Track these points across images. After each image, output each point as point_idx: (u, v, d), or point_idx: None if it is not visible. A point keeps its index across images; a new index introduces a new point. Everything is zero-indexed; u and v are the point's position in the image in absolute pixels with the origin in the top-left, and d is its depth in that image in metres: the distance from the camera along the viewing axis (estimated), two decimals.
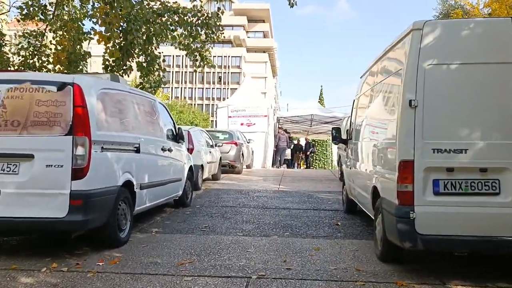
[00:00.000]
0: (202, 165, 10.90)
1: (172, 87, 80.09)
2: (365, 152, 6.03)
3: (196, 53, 9.74)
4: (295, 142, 25.35)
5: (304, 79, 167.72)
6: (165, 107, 7.64)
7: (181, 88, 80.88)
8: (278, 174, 15.75)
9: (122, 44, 8.41)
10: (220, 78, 80.00)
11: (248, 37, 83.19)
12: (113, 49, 8.14)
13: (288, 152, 22.08)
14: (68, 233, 5.22)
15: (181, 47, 9.63)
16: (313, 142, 40.37)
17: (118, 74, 8.42)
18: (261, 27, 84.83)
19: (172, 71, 79.74)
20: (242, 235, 6.05)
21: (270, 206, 8.54)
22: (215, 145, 12.90)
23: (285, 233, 6.22)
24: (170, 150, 7.17)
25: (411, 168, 4.05)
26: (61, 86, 4.63)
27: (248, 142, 17.50)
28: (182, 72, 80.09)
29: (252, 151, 18.50)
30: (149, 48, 9.10)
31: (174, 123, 7.96)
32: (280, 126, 22.16)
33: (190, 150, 10.46)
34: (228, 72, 79.32)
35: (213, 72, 79.26)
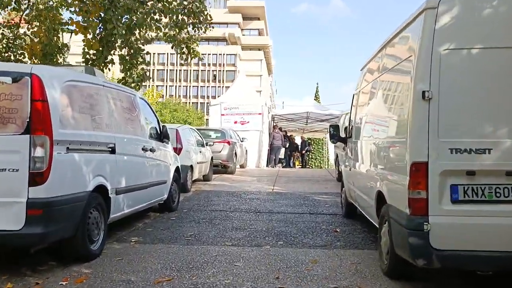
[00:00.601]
0: (191, 166, 10.27)
1: (166, 85, 79.44)
2: (368, 151, 5.42)
3: (182, 45, 9.06)
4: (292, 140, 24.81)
5: (300, 77, 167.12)
6: (147, 103, 7.01)
7: (176, 86, 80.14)
8: (272, 174, 15.13)
9: (102, 35, 7.75)
10: (215, 76, 79.34)
11: (243, 34, 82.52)
12: (92, 40, 7.48)
13: (283, 151, 21.40)
14: (26, 248, 4.57)
15: (166, 38, 8.97)
16: (309, 141, 39.85)
17: (99, 68, 7.76)
18: (256, 25, 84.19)
19: (167, 69, 79.10)
20: (231, 244, 5.43)
21: (263, 210, 7.93)
22: (206, 144, 12.26)
23: (278, 242, 5.61)
24: (152, 150, 6.53)
25: (424, 172, 3.44)
26: (17, 78, 3.99)
27: (241, 141, 16.87)
28: (176, 70, 79.26)
29: (246, 150, 17.86)
30: (132, 39, 8.43)
31: (158, 121, 7.33)
32: (275, 125, 21.53)
33: (178, 150, 9.85)
34: (223, 70, 78.63)
35: (207, 70, 78.76)
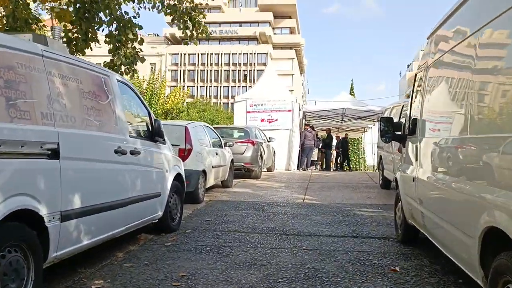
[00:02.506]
0: (203, 171, 8.45)
1: (197, 86, 78.61)
2: (456, 157, 3.39)
3: (186, 18, 7.21)
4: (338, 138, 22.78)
5: (333, 77, 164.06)
6: (131, 88, 5.20)
7: (206, 86, 79.22)
8: (304, 179, 13.14)
9: (78, 5, 6.02)
10: (245, 76, 77.89)
11: (274, 33, 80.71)
12: (65, 10, 5.76)
13: (315, 152, 19.23)
14: None
15: (165, 9, 7.17)
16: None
17: (80, 49, 6.01)
18: (288, 23, 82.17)
19: (197, 70, 78.32)
20: None
21: (290, 231, 6.00)
22: (225, 145, 10.41)
23: None
24: (135, 152, 4.72)
25: None
26: None
27: (268, 141, 14.95)
28: (207, 70, 78.53)
29: (274, 152, 15.92)
30: (118, 9, 6.64)
31: (149, 114, 5.53)
32: (306, 123, 19.43)
33: (187, 152, 8.06)
34: (254, 70, 76.95)
35: (238, 70, 77.38)
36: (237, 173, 12.93)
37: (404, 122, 5.46)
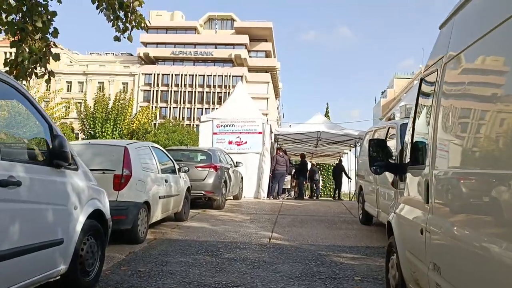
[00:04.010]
0: (146, 203, 6.82)
1: (170, 107, 76.91)
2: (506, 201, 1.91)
3: (115, 4, 5.56)
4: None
5: (307, 104, 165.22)
6: (18, 91, 3.58)
7: (180, 108, 77.64)
8: (274, 210, 11.59)
9: None
10: (220, 98, 76.65)
11: (249, 56, 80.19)
12: None
13: (288, 178, 17.63)
14: None
15: None
16: (318, 167, 36.17)
17: None
18: (264, 47, 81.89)
19: (171, 90, 76.81)
20: None
21: None
22: (180, 170, 8.80)
23: None
24: (11, 183, 3.10)
25: None
26: None
27: (235, 166, 13.39)
28: (181, 91, 77.18)
29: (242, 178, 14.34)
30: None
31: (50, 128, 3.89)
32: (279, 146, 17.96)
33: (125, 179, 6.44)
34: (228, 92, 75.77)
35: (213, 92, 76.12)
36: (197, 202, 11.30)
37: (401, 147, 4.01)
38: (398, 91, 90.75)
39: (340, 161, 21.34)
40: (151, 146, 7.88)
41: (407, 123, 7.32)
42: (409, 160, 3.66)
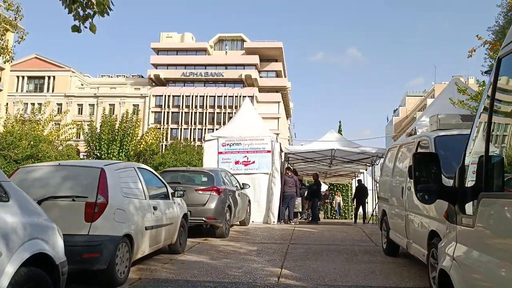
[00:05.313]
0: (128, 236, 5.62)
1: (181, 128, 76.31)
2: None
3: None
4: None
5: (318, 123, 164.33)
6: None
7: (190, 129, 76.91)
8: (284, 238, 10.30)
9: None
10: (231, 118, 75.68)
11: (260, 76, 79.55)
12: None
13: (299, 201, 16.12)
14: None
15: None
16: (331, 187, 34.63)
17: None
18: (274, 67, 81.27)
19: (181, 112, 76.25)
20: None
21: None
22: (175, 195, 7.60)
23: None
24: None
25: None
26: None
27: (242, 188, 12.17)
28: (191, 112, 76.57)
29: (249, 201, 13.08)
30: None
31: None
32: (287, 166, 16.65)
33: (99, 208, 5.29)
34: None
35: (223, 113, 75.31)
36: (199, 230, 10.09)
37: (461, 165, 2.77)
38: (410, 109, 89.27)
39: (360, 181, 19.81)
40: (138, 168, 6.71)
41: (444, 135, 6.11)
42: (477, 182, 2.44)
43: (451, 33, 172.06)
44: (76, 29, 4.33)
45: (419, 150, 6.36)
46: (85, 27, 4.36)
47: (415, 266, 6.72)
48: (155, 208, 6.57)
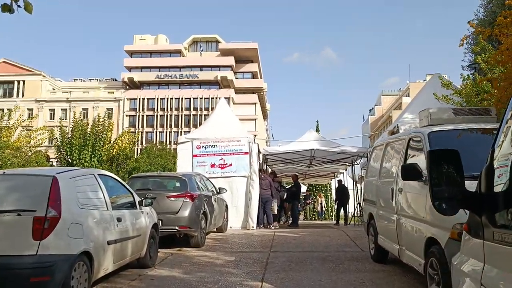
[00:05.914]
0: (86, 253, 4.90)
1: (156, 131, 74.96)
2: None
3: None
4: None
5: (295, 124, 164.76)
6: None
7: (166, 132, 75.58)
8: (264, 245, 9.68)
9: None
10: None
11: (236, 77, 78.91)
12: None
13: (274, 203, 15.17)
14: None
15: None
16: (309, 188, 34.18)
17: None
18: (250, 68, 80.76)
19: (156, 115, 74.88)
20: None
21: None
22: (142, 203, 6.88)
23: None
24: None
25: None
26: None
27: (218, 193, 11.49)
28: (167, 115, 75.31)
29: (226, 206, 12.41)
30: None
31: None
32: (260, 168, 15.76)
33: (50, 222, 4.56)
34: None
35: (199, 115, 74.25)
36: (172, 239, 9.37)
37: (487, 165, 2.20)
38: (386, 108, 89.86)
39: (340, 181, 19.30)
40: (98, 174, 5.97)
41: (439, 130, 5.57)
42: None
43: (424, 32, 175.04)
44: (7, 8, 3.62)
45: (410, 148, 5.83)
46: (19, 6, 3.65)
47: (407, 275, 6.18)
48: (119, 220, 5.85)
